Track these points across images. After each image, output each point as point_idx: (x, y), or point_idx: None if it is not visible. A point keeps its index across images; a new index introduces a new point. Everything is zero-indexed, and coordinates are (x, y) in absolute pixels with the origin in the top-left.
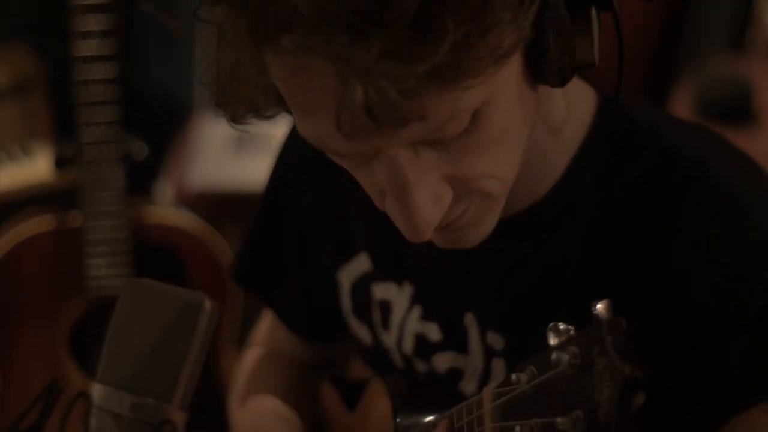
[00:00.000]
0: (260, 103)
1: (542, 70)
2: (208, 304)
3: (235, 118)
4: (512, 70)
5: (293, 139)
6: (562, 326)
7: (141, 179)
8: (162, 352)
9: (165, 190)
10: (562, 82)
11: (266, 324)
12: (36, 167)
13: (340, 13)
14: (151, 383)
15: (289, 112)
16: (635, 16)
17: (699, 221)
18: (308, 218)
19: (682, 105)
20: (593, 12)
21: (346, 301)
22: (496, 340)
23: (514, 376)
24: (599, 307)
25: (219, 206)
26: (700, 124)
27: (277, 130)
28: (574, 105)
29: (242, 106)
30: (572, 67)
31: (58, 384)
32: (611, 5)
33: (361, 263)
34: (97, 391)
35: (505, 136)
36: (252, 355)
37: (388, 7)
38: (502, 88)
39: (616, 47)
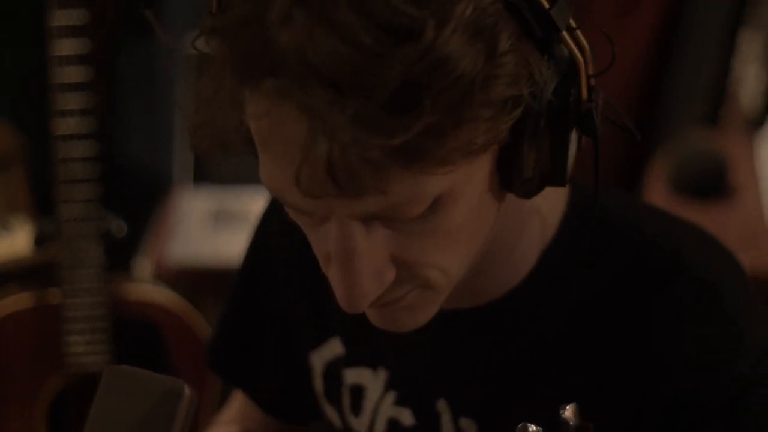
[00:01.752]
0: (229, 139)
1: (510, 178)
2: (187, 392)
3: (199, 149)
4: (481, 168)
5: (267, 220)
6: (531, 428)
7: (120, 255)
8: None
9: (144, 266)
10: (526, 195)
11: (238, 402)
12: (15, 242)
13: (324, 69)
14: None
15: (255, 155)
16: (610, 87)
17: (674, 313)
18: (282, 299)
19: (657, 179)
20: (573, 133)
21: (318, 383)
22: (469, 426)
23: None
24: (567, 411)
25: (198, 282)
26: (672, 213)
27: (255, 206)
28: (547, 198)
29: (212, 138)
30: (540, 183)
31: None
32: (594, 132)
33: (334, 347)
34: None
35: (460, 232)
36: None
37: (372, 73)
38: (468, 183)
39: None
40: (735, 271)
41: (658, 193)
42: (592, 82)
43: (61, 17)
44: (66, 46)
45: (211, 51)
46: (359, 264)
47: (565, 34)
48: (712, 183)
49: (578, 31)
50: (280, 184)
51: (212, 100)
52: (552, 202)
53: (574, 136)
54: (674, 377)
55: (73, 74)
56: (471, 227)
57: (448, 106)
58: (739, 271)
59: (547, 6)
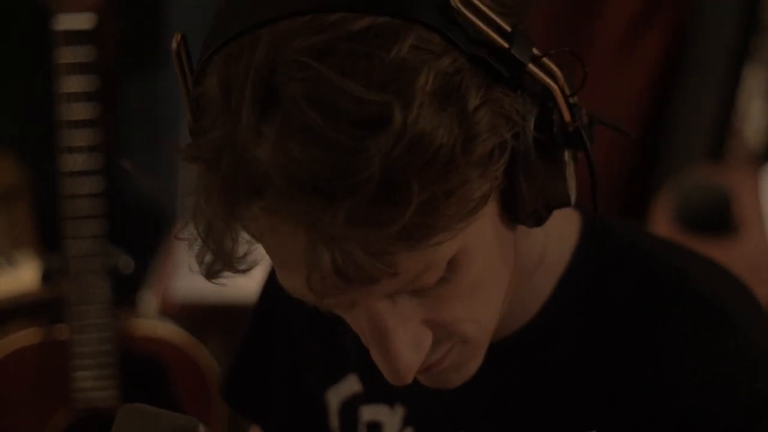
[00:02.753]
0: (236, 260)
1: (517, 214)
2: (202, 429)
3: (210, 273)
4: (487, 216)
5: None
6: None
7: (126, 290)
8: None
9: (149, 301)
10: (537, 223)
11: None
12: (21, 278)
13: (307, 178)
14: None
15: None
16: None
17: (685, 334)
18: (297, 336)
19: (661, 214)
20: (566, 153)
21: (334, 421)
22: None
23: None
24: None
25: (203, 317)
26: (679, 241)
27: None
28: (558, 228)
29: (218, 261)
30: (547, 209)
31: None
32: (584, 146)
33: (351, 384)
34: None
35: (485, 280)
36: None
37: (352, 172)
38: (477, 234)
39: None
40: (744, 294)
41: (663, 228)
42: (573, 100)
43: (68, 54)
44: (73, 83)
45: (199, 176)
46: (395, 341)
47: (531, 66)
48: (717, 218)
49: (544, 59)
50: (295, 289)
51: (209, 230)
52: (564, 233)
53: (567, 156)
54: (688, 399)
55: (80, 111)
56: (493, 271)
57: (434, 180)
58: (748, 295)
59: (506, 45)
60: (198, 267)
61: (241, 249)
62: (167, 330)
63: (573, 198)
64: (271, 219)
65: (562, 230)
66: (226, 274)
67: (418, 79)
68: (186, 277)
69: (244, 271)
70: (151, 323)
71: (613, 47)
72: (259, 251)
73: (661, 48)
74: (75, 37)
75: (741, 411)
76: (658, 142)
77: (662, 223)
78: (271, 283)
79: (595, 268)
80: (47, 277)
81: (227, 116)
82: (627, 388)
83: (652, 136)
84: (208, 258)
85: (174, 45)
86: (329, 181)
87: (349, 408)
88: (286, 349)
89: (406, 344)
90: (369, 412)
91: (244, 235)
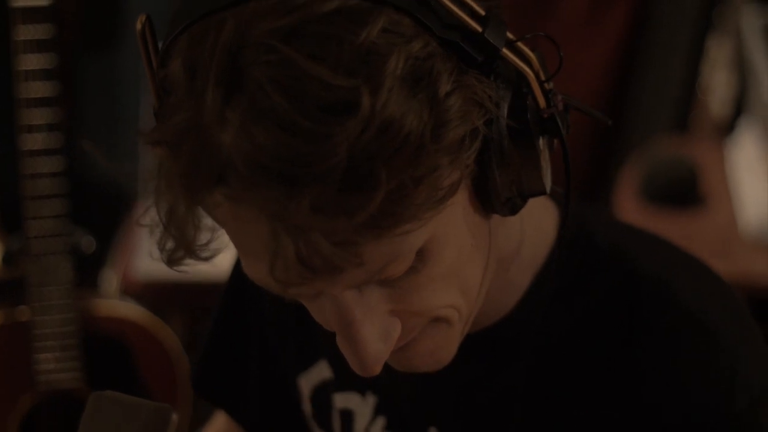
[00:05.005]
0: (198, 247)
1: (491, 203)
2: (174, 416)
3: (172, 261)
4: (458, 204)
5: None
6: None
7: (88, 270)
8: None
9: (111, 280)
10: (512, 212)
11: (221, 422)
12: None
13: (272, 164)
14: None
15: None
16: (577, 96)
17: (665, 346)
18: (269, 320)
19: (627, 188)
20: (541, 141)
21: (306, 407)
22: None
23: None
24: None
25: (165, 295)
26: (657, 235)
27: None
28: (531, 222)
29: (180, 248)
30: (522, 198)
31: None
32: (560, 133)
33: (322, 371)
34: None
35: (457, 269)
36: None
37: (319, 157)
38: (447, 224)
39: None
40: (724, 298)
41: (628, 202)
42: (549, 85)
43: (26, 32)
44: (31, 61)
45: (161, 160)
46: (362, 332)
47: (505, 51)
48: (682, 191)
49: (519, 43)
50: (258, 277)
51: (170, 217)
52: (542, 225)
53: (542, 143)
54: (667, 415)
55: (39, 89)
56: (466, 260)
57: (403, 168)
58: (733, 301)
59: (479, 29)
60: (159, 254)
61: (204, 236)
62: (129, 309)
63: (548, 186)
64: (234, 206)
65: (540, 222)
66: (188, 261)
67: (388, 64)
68: (147, 256)
69: (207, 259)
70: (114, 303)
71: (577, 21)
72: (223, 238)
73: (625, 21)
74: (33, 14)
75: (721, 430)
76: (622, 115)
77: (627, 198)
78: (240, 268)
79: (573, 266)
80: (8, 258)
81: (191, 99)
82: (601, 394)
83: (616, 109)
84: (169, 245)
85: (138, 26)
86: (294, 168)
87: (321, 394)
88: (259, 334)
89: (374, 336)
90: (341, 400)
91: (207, 222)
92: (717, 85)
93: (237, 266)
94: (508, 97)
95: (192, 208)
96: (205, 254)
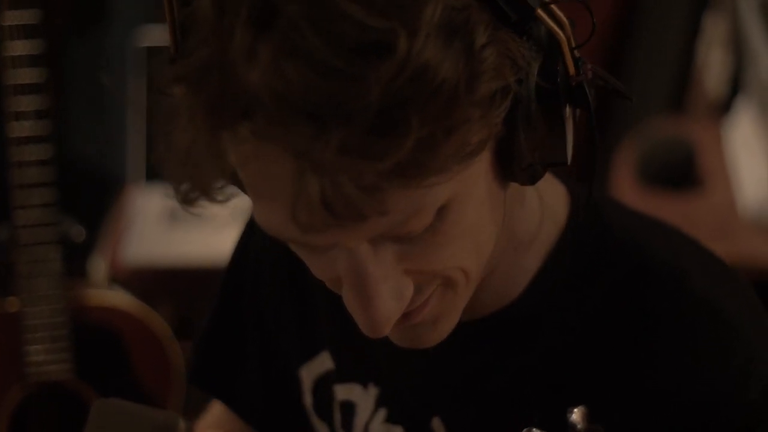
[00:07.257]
0: (214, 188)
1: (512, 168)
2: (182, 425)
3: (187, 201)
4: (481, 166)
5: (249, 231)
6: None
7: (76, 259)
8: None
9: (99, 267)
10: (531, 180)
11: (218, 411)
12: None
13: (301, 103)
14: None
15: (247, 193)
16: None
17: (680, 334)
18: (270, 310)
19: (624, 169)
20: (567, 109)
21: (308, 398)
22: None
23: None
24: (574, 414)
25: (154, 282)
26: (671, 225)
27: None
28: (548, 205)
29: (195, 189)
30: (543, 165)
31: None
32: (587, 103)
33: (324, 362)
34: None
35: (471, 233)
36: None
37: (350, 98)
38: (470, 184)
39: None
40: (739, 289)
41: (625, 184)
42: (577, 53)
43: (13, 17)
44: (18, 47)
45: (178, 101)
46: (375, 288)
47: (540, 11)
48: (680, 172)
49: (553, 6)
50: (276, 224)
51: (189, 154)
52: (554, 212)
53: (568, 112)
54: (682, 404)
55: (26, 75)
56: (480, 227)
57: (435, 116)
58: (745, 290)
59: None
60: (173, 195)
61: (220, 180)
62: (119, 298)
63: (569, 157)
64: (258, 144)
65: (554, 206)
66: (202, 203)
67: (426, 10)
68: (136, 243)
69: (221, 202)
70: (103, 292)
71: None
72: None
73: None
74: None
75: (736, 420)
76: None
77: (625, 179)
78: (239, 255)
79: (585, 251)
80: None
81: (219, 35)
82: (615, 381)
83: (614, 89)
84: (185, 185)
85: None
86: (324, 108)
87: (323, 386)
88: (258, 325)
89: (387, 293)
90: (342, 392)
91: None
92: (713, 64)
93: (235, 256)
94: (539, 59)
95: (214, 143)
96: (219, 197)
